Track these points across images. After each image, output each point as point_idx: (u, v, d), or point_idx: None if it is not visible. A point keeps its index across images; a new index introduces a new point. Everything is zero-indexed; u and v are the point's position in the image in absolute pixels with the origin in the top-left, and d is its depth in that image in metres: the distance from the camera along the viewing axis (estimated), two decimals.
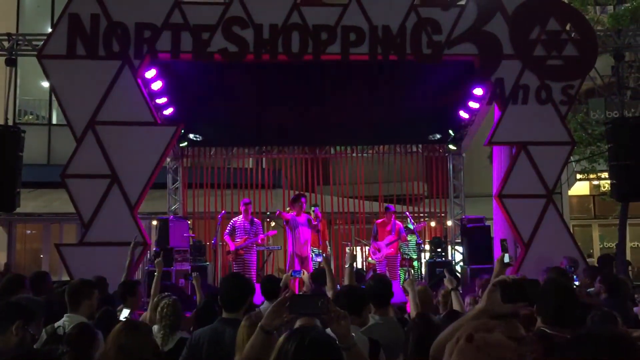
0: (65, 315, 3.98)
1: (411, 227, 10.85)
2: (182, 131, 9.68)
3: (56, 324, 3.83)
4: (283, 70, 9.18)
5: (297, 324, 3.03)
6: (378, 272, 9.94)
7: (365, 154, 12.92)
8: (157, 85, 8.89)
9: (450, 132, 11.54)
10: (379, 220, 10.78)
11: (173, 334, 4.22)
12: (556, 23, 8.68)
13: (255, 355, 2.31)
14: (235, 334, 3.13)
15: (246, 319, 3.00)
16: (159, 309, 4.33)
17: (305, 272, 6.21)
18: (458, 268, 10.91)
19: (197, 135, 11.40)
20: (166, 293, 5.19)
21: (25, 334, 2.89)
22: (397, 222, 10.70)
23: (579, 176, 16.12)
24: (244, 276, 4.49)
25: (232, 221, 10.20)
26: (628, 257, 13.91)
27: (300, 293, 6.08)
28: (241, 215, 10.16)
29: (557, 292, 2.96)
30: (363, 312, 3.70)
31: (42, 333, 3.75)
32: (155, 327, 4.24)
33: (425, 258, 11.27)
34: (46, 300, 4.63)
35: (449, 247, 11.74)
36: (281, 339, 1.99)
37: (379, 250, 10.43)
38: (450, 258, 11.34)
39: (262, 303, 5.44)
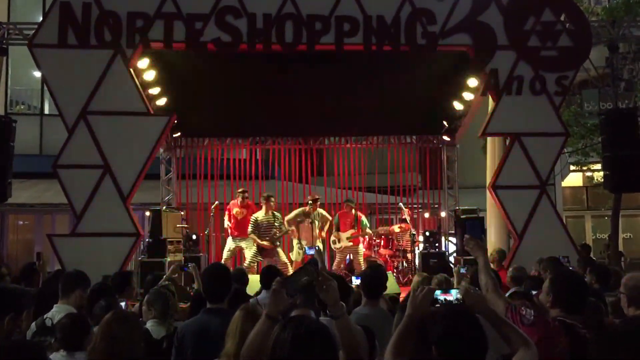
0: (55, 305, 3.98)
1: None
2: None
3: (45, 316, 3.81)
4: (277, 60, 9.11)
5: (293, 313, 3.04)
6: (344, 261, 10.55)
7: (359, 145, 12.89)
8: (149, 75, 8.83)
9: (445, 123, 11.52)
10: (341, 212, 10.82)
11: (165, 324, 4.20)
12: (551, 14, 8.65)
13: (259, 342, 2.37)
14: (221, 324, 3.13)
15: (242, 309, 3.04)
16: (149, 300, 4.31)
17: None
18: (451, 259, 10.93)
19: None
20: (163, 283, 5.18)
21: (16, 325, 2.88)
22: (360, 213, 10.74)
23: (572, 167, 16.16)
24: (224, 266, 4.50)
25: (253, 217, 9.95)
26: (621, 248, 14.01)
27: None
28: (262, 211, 10.00)
29: (574, 282, 3.18)
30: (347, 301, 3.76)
31: (32, 325, 3.73)
32: (146, 318, 4.23)
33: (418, 249, 11.27)
34: (38, 292, 4.61)
35: (443, 238, 11.75)
36: (277, 327, 2.01)
37: (339, 241, 10.53)
38: (443, 249, 11.35)
39: (260, 293, 5.42)
